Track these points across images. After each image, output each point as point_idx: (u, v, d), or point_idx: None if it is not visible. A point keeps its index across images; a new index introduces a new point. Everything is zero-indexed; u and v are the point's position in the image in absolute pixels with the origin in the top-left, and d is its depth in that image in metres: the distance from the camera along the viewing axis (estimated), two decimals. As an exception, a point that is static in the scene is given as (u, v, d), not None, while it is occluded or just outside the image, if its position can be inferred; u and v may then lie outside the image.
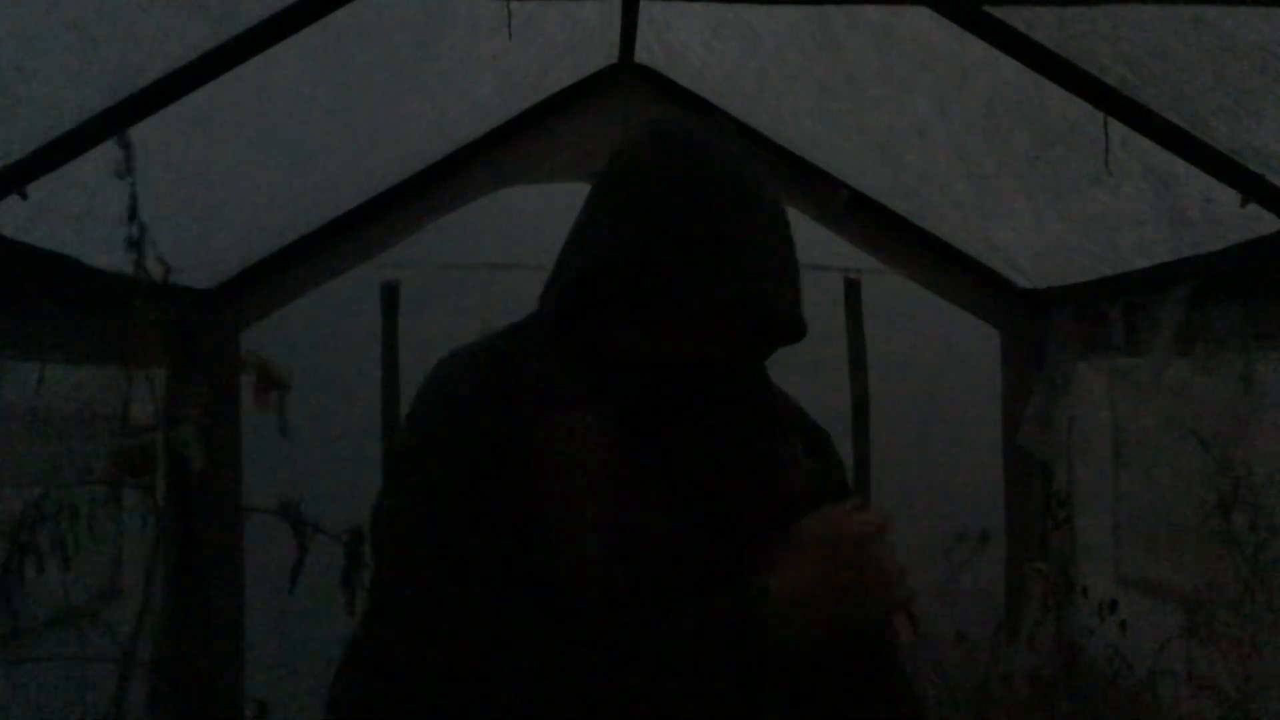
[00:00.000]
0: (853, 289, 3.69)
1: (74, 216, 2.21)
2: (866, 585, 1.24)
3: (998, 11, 2.06)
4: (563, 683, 1.18)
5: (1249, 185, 2.10)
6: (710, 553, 1.27)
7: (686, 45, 2.87)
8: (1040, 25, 2.06)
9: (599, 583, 1.21)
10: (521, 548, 1.20)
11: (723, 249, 1.24)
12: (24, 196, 1.99)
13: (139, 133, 2.06)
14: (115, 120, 2.03)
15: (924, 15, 2.14)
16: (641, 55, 3.02)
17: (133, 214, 2.10)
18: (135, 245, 2.14)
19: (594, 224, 1.31)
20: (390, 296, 3.41)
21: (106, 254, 2.37)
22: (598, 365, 1.31)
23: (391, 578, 1.27)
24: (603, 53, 3.00)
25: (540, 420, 1.26)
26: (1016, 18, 2.06)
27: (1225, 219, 2.25)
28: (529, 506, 1.21)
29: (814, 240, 3.42)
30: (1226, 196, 2.16)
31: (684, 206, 1.25)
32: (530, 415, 1.25)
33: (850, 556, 1.24)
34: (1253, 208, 2.13)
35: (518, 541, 1.20)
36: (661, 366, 1.29)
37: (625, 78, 3.08)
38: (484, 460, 1.23)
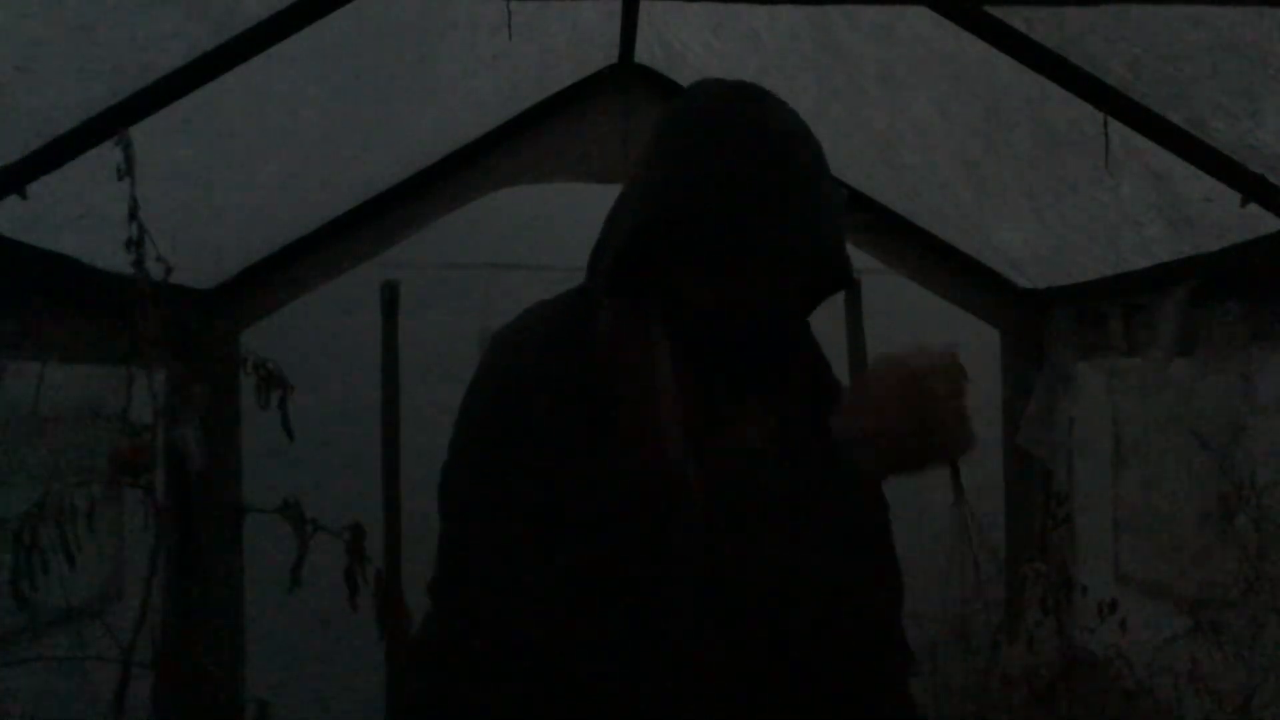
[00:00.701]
0: (853, 289, 3.69)
1: (74, 216, 2.22)
2: (933, 422, 1.24)
3: (998, 11, 2.06)
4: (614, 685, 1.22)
5: (1249, 185, 2.10)
6: (793, 503, 1.29)
7: (686, 45, 2.87)
8: (1040, 25, 2.06)
9: (683, 531, 1.23)
10: (597, 509, 1.23)
11: (788, 196, 1.24)
12: (24, 196, 1.99)
13: (139, 132, 2.06)
14: (115, 120, 2.03)
15: (924, 15, 2.14)
16: (641, 55, 3.03)
17: (133, 214, 2.10)
18: (135, 245, 2.14)
19: (650, 180, 1.30)
20: (390, 296, 3.41)
21: (106, 254, 2.37)
22: (659, 317, 1.32)
23: (454, 554, 1.30)
24: (603, 53, 3.00)
25: (613, 368, 1.29)
26: (1016, 18, 2.06)
27: (1225, 219, 2.25)
28: (607, 455, 1.24)
29: (814, 240, 3.42)
30: (1226, 196, 2.16)
31: (747, 155, 1.25)
32: (602, 364, 1.29)
33: (918, 392, 1.23)
34: (1253, 208, 2.13)
35: (592, 503, 1.23)
36: (732, 315, 1.29)
37: (625, 78, 3.08)
38: (552, 420, 1.26)
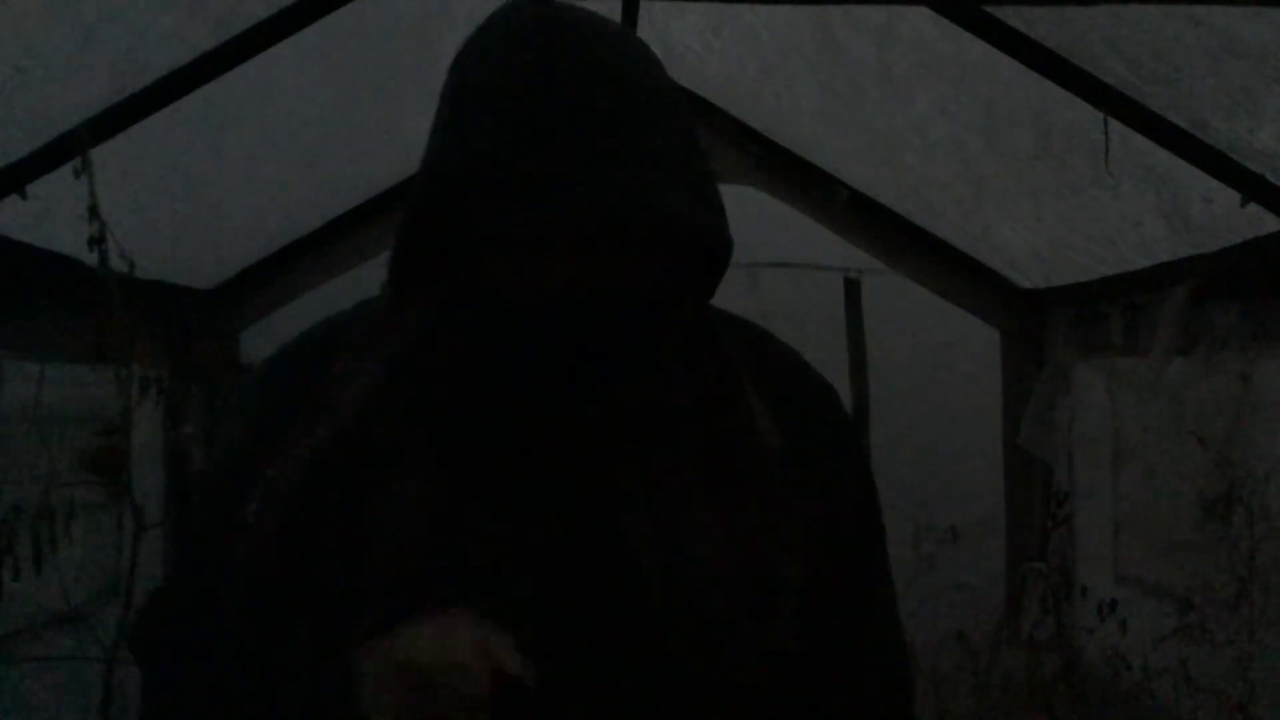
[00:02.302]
0: (853, 289, 3.69)
1: (74, 216, 2.22)
2: None
3: (998, 11, 2.06)
4: None
5: (1249, 185, 2.10)
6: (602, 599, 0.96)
7: (686, 45, 2.87)
8: (1040, 25, 2.05)
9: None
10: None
11: (595, 143, 0.89)
12: (24, 196, 1.99)
13: (139, 132, 2.06)
14: (115, 120, 2.03)
15: (924, 15, 2.14)
16: (641, 55, 3.02)
17: (93, 211, 2.09)
18: (98, 243, 2.13)
19: (432, 139, 1.01)
20: (390, 296, 3.40)
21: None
22: (444, 316, 0.99)
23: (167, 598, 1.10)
24: (603, 53, 2.99)
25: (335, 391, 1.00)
26: (1016, 18, 2.06)
27: (1225, 219, 2.25)
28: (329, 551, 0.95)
29: (814, 240, 3.42)
30: (1226, 196, 2.16)
31: (544, 93, 0.90)
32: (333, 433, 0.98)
33: (421, 698, 0.88)
34: (1253, 208, 2.13)
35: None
36: (535, 301, 0.92)
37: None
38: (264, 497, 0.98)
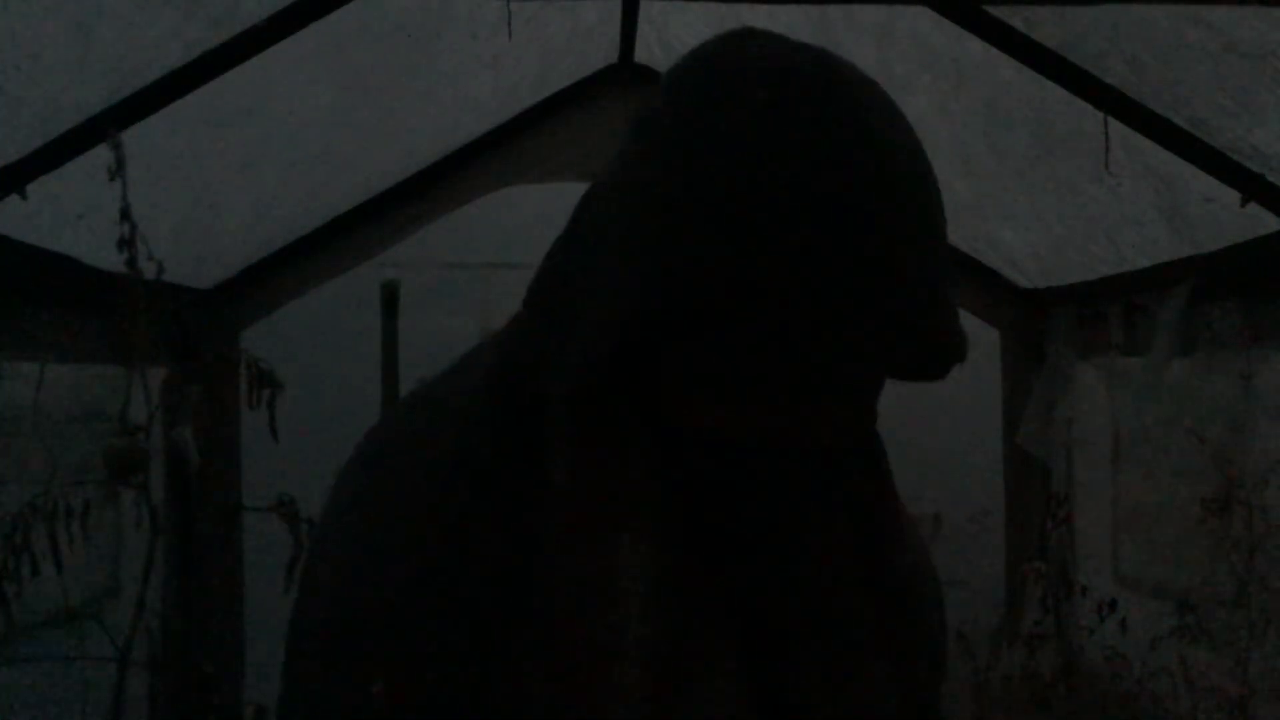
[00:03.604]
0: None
1: (74, 216, 2.22)
2: None
3: (998, 11, 2.06)
4: None
5: (1249, 185, 2.11)
6: None
7: (686, 45, 2.86)
8: (1040, 25, 2.05)
9: None
10: None
11: (899, 246, 0.71)
12: (24, 196, 1.99)
13: (139, 132, 2.06)
14: (115, 120, 2.03)
15: (924, 15, 2.14)
16: (641, 55, 3.02)
17: (125, 213, 2.09)
18: (128, 244, 2.13)
19: (653, 216, 0.73)
20: (390, 296, 3.41)
21: (107, 254, 2.36)
22: (646, 442, 0.76)
23: None
24: (603, 53, 3.00)
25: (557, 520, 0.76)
26: (1016, 18, 2.06)
27: (1225, 219, 2.25)
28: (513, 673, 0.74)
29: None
30: (1226, 196, 2.16)
31: (844, 172, 0.71)
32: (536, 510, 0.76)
33: None
34: (1253, 208, 2.13)
35: None
36: (763, 450, 0.75)
37: (625, 78, 3.07)
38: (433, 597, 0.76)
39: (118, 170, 1.96)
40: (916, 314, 0.72)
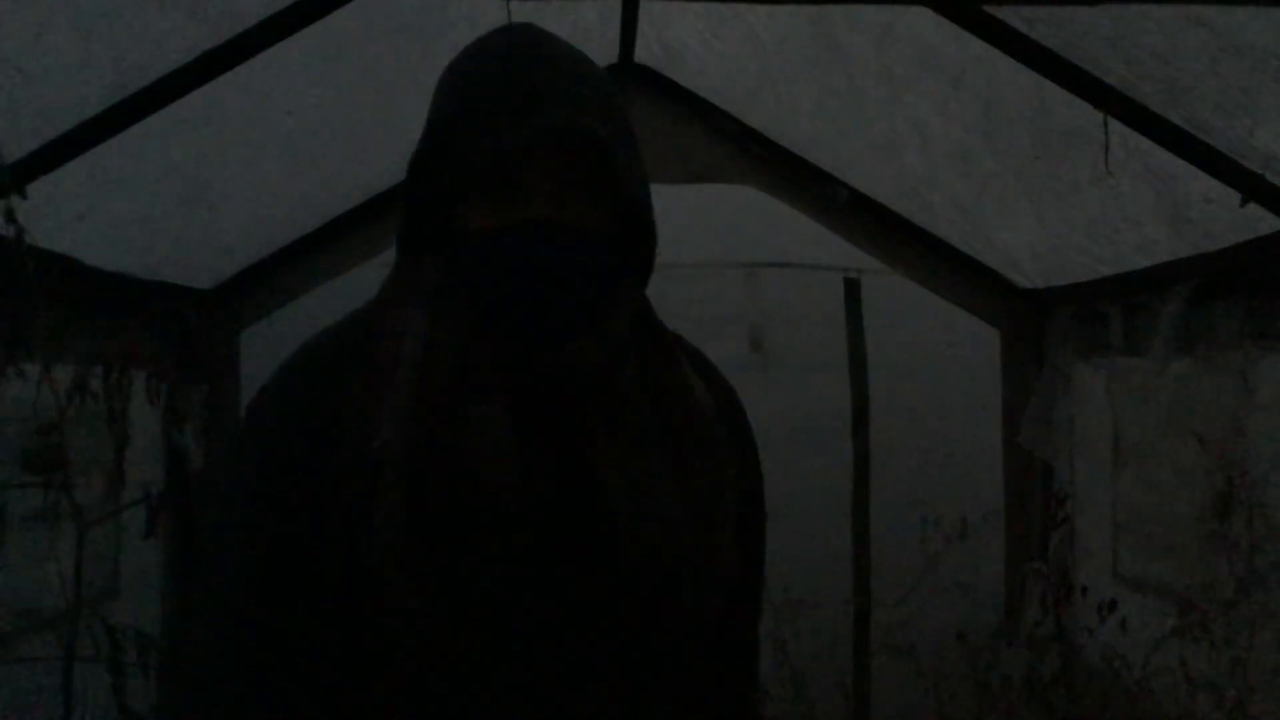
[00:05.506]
0: (853, 289, 3.69)
1: (74, 216, 2.22)
2: None
3: (998, 11, 2.06)
4: None
5: (1249, 185, 2.11)
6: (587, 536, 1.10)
7: (686, 45, 2.87)
8: (1040, 25, 2.06)
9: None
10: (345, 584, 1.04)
11: (537, 88, 1.12)
12: (24, 196, 1.99)
13: (139, 132, 2.06)
14: (115, 120, 2.03)
15: (924, 15, 2.14)
16: (641, 55, 3.02)
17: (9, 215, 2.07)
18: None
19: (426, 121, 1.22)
20: (390, 296, 3.40)
21: (107, 254, 2.37)
22: (440, 270, 1.15)
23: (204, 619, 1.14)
24: (603, 53, 3.00)
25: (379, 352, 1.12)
26: (1016, 18, 2.06)
27: (1225, 219, 2.25)
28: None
29: (814, 240, 3.43)
30: (1226, 196, 2.16)
31: (499, 60, 1.19)
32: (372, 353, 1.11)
33: None
34: (1253, 208, 2.13)
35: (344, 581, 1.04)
36: (511, 237, 1.10)
37: (625, 78, 3.08)
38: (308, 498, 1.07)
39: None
40: (564, 119, 1.10)
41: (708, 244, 3.80)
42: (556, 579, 1.07)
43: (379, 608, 1.03)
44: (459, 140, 1.12)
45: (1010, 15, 2.06)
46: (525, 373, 1.10)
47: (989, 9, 2.06)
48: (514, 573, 1.05)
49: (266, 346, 3.00)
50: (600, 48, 2.96)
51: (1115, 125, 2.16)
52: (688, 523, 1.12)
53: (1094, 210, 2.60)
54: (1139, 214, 2.49)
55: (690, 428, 1.17)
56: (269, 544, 1.09)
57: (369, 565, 1.03)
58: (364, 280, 3.37)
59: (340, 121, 2.66)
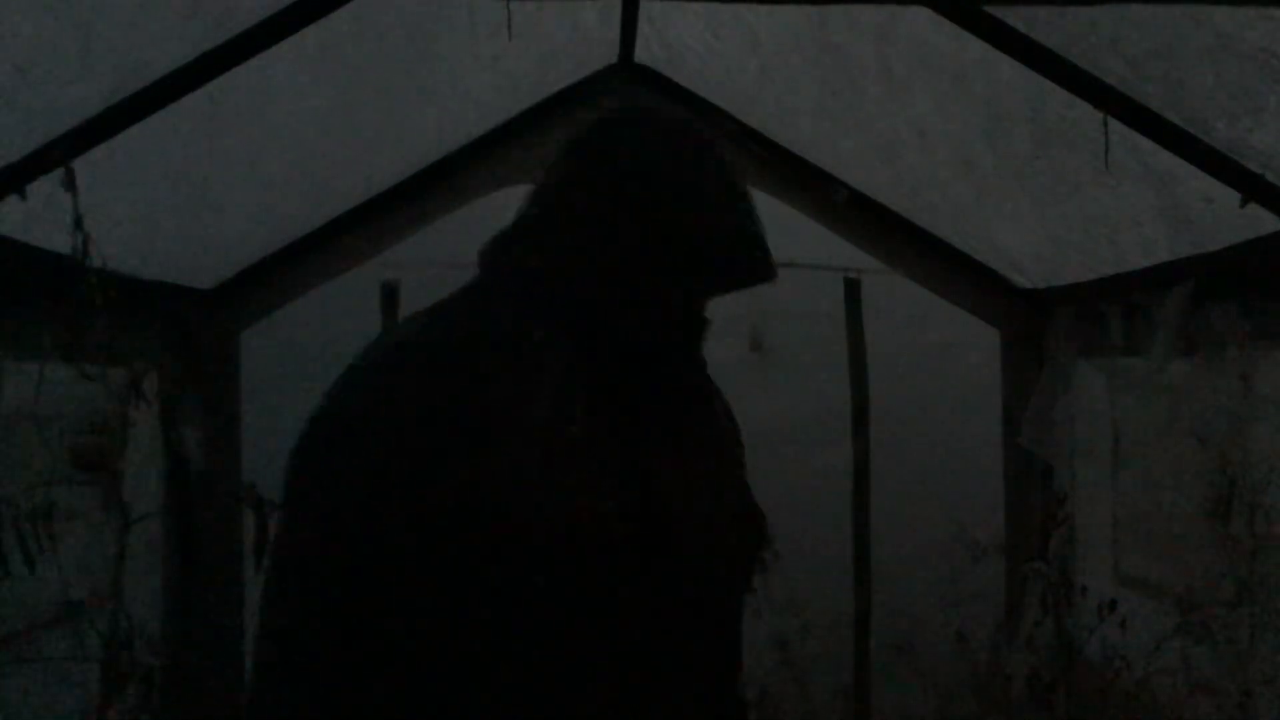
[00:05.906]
0: (853, 289, 3.69)
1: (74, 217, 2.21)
2: None
3: (998, 11, 2.06)
4: None
5: (1249, 185, 2.11)
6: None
7: (686, 45, 2.87)
8: (1040, 25, 2.06)
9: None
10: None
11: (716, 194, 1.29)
12: (24, 197, 1.99)
13: (139, 132, 2.06)
14: (115, 120, 2.03)
15: (924, 15, 2.14)
16: (641, 55, 3.03)
17: (78, 223, 2.10)
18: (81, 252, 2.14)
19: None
20: (390, 296, 3.41)
21: (106, 254, 2.36)
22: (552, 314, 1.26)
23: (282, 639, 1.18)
24: (603, 53, 3.00)
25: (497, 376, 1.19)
26: (1016, 18, 2.06)
27: (1225, 219, 2.25)
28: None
29: (814, 240, 3.42)
30: (1226, 196, 2.16)
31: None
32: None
33: None
34: (1253, 208, 2.13)
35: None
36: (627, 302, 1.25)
37: (625, 78, 3.08)
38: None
39: (70, 185, 1.97)
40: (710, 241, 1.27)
41: (708, 244, 3.78)
42: (623, 585, 1.15)
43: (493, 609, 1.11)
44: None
45: (1010, 15, 2.06)
46: (627, 383, 1.22)
47: (989, 9, 2.06)
48: (604, 584, 1.14)
49: (266, 346, 3.00)
50: (600, 48, 2.96)
51: (1115, 125, 2.16)
52: (727, 523, 1.25)
53: (1094, 210, 2.60)
54: (1139, 214, 2.49)
55: (720, 431, 1.32)
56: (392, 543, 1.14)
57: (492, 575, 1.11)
58: (364, 280, 3.38)
59: (340, 121, 2.66)
